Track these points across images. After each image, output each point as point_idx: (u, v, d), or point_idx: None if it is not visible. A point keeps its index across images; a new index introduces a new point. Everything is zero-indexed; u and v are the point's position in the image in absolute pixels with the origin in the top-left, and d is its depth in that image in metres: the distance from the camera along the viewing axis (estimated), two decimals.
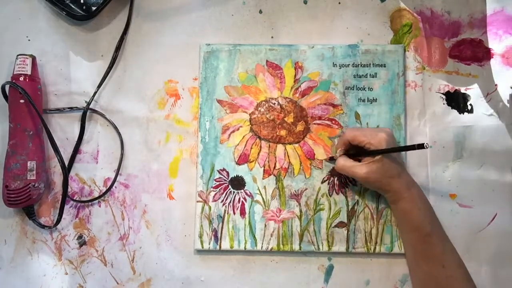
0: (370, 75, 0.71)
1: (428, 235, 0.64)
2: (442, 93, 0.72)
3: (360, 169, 0.64)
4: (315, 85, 0.71)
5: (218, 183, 0.70)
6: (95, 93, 0.72)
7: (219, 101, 0.71)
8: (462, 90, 0.72)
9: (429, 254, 0.64)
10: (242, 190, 0.70)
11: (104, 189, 0.71)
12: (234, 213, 0.70)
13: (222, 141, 0.71)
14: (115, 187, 0.72)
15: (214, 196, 0.70)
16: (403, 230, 0.67)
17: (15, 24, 0.74)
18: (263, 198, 0.70)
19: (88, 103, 0.72)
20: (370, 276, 0.69)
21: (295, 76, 0.71)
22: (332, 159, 0.70)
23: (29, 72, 0.69)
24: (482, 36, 0.72)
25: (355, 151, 0.67)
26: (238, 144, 0.71)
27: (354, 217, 0.69)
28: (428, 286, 0.64)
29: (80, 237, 0.71)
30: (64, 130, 0.72)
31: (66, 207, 0.71)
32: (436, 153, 0.71)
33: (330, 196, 0.70)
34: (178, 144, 0.72)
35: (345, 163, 0.66)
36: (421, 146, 0.57)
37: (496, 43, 0.72)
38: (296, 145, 0.71)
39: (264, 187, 0.70)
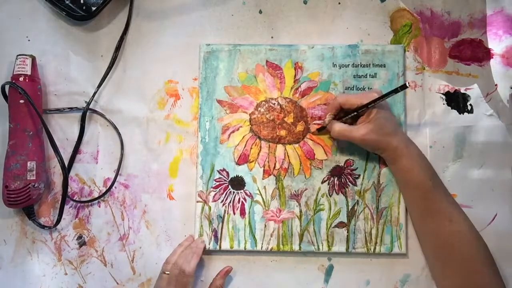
0: (370, 75, 0.71)
1: (430, 190, 0.65)
2: (442, 93, 0.72)
3: (357, 131, 0.65)
4: (315, 85, 0.71)
5: (218, 183, 0.70)
6: (95, 93, 0.72)
7: (219, 101, 0.71)
8: (462, 90, 0.72)
9: (434, 210, 0.65)
10: (242, 190, 0.70)
11: (104, 189, 0.71)
12: (234, 213, 0.70)
13: (222, 141, 0.71)
14: (115, 187, 0.72)
15: (214, 196, 0.70)
16: (406, 189, 0.68)
17: (15, 24, 0.74)
18: (263, 198, 0.70)
19: (88, 103, 0.72)
20: (370, 276, 0.69)
21: (295, 76, 0.71)
22: (322, 129, 0.69)
23: (29, 72, 0.69)
24: (482, 36, 0.72)
25: (344, 114, 0.67)
26: (238, 144, 0.71)
27: (354, 217, 0.69)
28: (436, 242, 0.65)
29: (80, 237, 0.71)
30: (64, 130, 0.72)
31: (66, 207, 0.71)
32: (436, 153, 0.71)
33: (330, 196, 0.70)
34: (178, 144, 0.72)
35: (341, 128, 0.66)
36: (404, 87, 0.61)
37: (496, 43, 0.72)
38: (296, 145, 0.71)
39: (264, 187, 0.70)
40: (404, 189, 0.68)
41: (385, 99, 0.64)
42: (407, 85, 0.61)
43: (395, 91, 0.62)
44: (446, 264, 0.65)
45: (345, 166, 0.70)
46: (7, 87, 0.69)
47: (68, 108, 0.72)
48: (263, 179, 0.70)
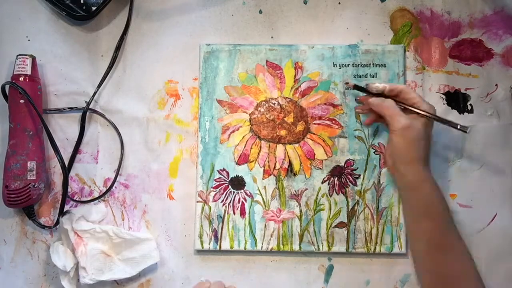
0: (370, 75, 0.71)
1: (449, 223, 0.63)
2: (442, 93, 0.72)
3: (403, 119, 0.62)
4: (315, 85, 0.71)
5: (218, 183, 0.70)
6: (95, 93, 0.72)
7: (219, 101, 0.71)
8: (462, 90, 0.72)
9: (449, 243, 0.63)
10: (242, 190, 0.70)
11: (104, 189, 0.71)
12: (234, 213, 0.70)
13: (222, 141, 0.71)
14: (115, 187, 0.72)
15: (214, 196, 0.70)
16: (419, 220, 0.64)
17: (15, 24, 0.74)
18: (263, 198, 0.70)
19: (88, 103, 0.72)
20: (370, 276, 0.69)
21: (295, 76, 0.71)
22: (360, 89, 0.68)
23: (29, 72, 0.69)
24: (482, 36, 0.72)
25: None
26: (238, 144, 0.71)
27: (354, 217, 0.69)
28: (442, 278, 0.63)
29: None
30: (64, 130, 0.72)
31: (66, 207, 0.71)
32: (436, 153, 0.71)
33: (330, 196, 0.70)
34: (178, 144, 0.72)
35: (393, 107, 0.63)
36: (463, 128, 0.62)
37: (496, 43, 0.72)
38: (296, 145, 0.71)
39: (264, 187, 0.70)
40: (417, 220, 0.65)
41: (442, 123, 0.64)
42: (467, 131, 0.61)
43: (457, 126, 0.62)
44: None
45: (345, 166, 0.70)
46: (7, 87, 0.69)
47: (68, 108, 0.72)
48: (263, 179, 0.70)
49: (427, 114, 0.63)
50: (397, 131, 0.63)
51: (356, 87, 0.68)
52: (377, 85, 0.66)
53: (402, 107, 0.65)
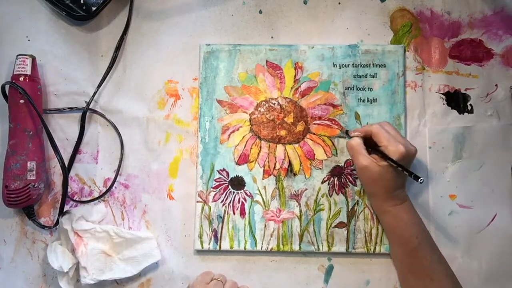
0: (370, 75, 0.71)
1: (415, 249, 0.64)
2: (442, 93, 0.72)
3: (363, 159, 0.64)
4: (315, 85, 0.71)
5: (218, 183, 0.70)
6: (95, 93, 0.72)
7: (219, 101, 0.71)
8: (462, 90, 0.72)
9: (416, 267, 0.64)
10: (242, 190, 0.70)
11: (104, 189, 0.71)
12: (234, 213, 0.70)
13: (222, 141, 0.71)
14: (115, 187, 0.72)
15: (214, 196, 0.70)
16: (390, 243, 0.68)
17: (15, 24, 0.74)
18: (263, 198, 0.70)
19: (88, 103, 0.72)
20: (370, 276, 0.70)
21: (295, 76, 0.71)
22: (347, 134, 0.69)
23: (29, 72, 0.69)
24: (482, 36, 0.72)
25: (369, 144, 0.66)
26: (238, 144, 0.71)
27: (354, 218, 0.69)
28: None
29: None
30: (64, 130, 0.72)
31: (66, 207, 0.71)
32: (435, 153, 0.71)
33: (330, 196, 0.70)
34: (178, 144, 0.72)
35: (356, 146, 0.65)
36: (416, 178, 0.60)
37: (496, 43, 0.72)
38: (296, 145, 0.71)
39: (264, 187, 0.70)
40: (389, 243, 0.68)
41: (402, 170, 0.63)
42: (420, 181, 0.60)
43: (410, 175, 0.61)
44: None
45: (345, 166, 0.70)
46: (7, 87, 0.69)
47: (68, 108, 0.72)
48: (263, 179, 0.70)
49: (386, 158, 0.63)
50: (357, 169, 0.66)
51: (346, 132, 0.70)
52: (353, 133, 0.67)
53: (370, 149, 0.66)
